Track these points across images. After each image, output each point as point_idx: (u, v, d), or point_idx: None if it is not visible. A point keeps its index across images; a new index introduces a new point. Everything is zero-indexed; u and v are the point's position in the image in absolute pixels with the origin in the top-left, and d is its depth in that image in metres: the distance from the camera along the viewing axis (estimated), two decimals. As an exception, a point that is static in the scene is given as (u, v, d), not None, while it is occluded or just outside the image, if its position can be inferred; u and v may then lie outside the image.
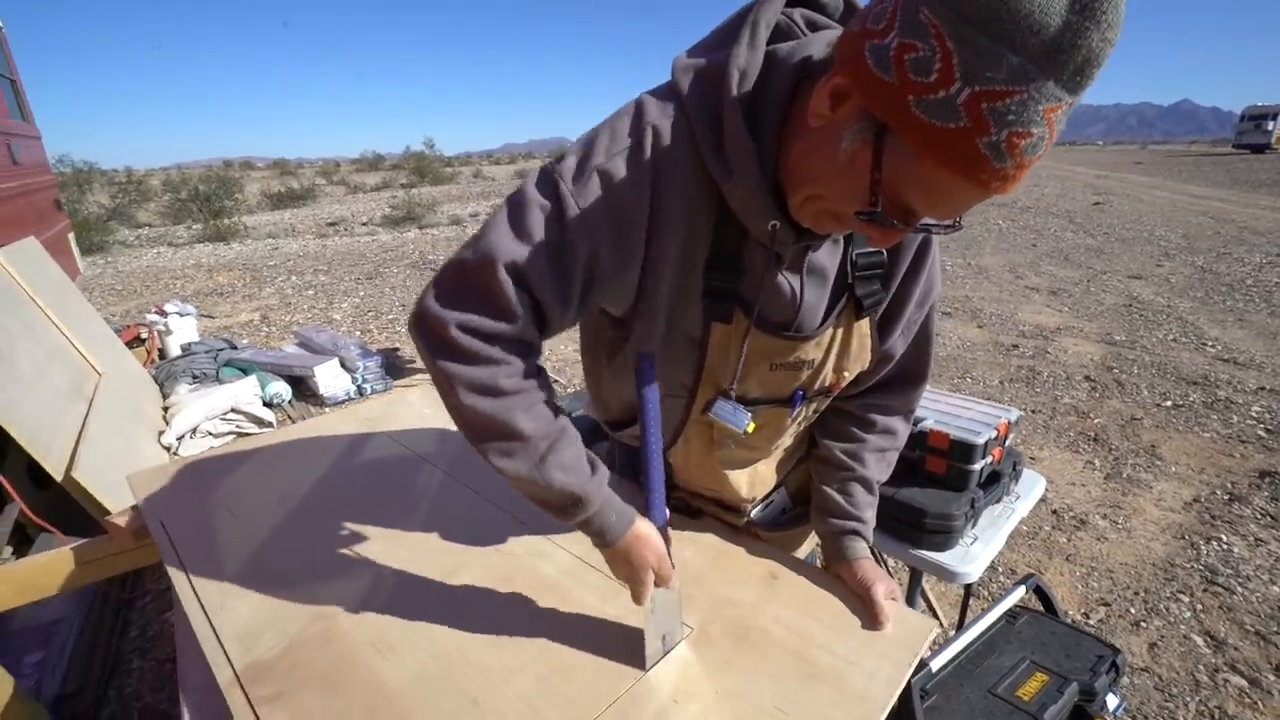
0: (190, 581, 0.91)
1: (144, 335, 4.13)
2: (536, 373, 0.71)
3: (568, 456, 0.71)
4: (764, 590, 0.89)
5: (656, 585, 0.76)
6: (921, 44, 0.49)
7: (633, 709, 0.70)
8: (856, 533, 0.92)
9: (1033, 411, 3.54)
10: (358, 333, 5.28)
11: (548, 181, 0.66)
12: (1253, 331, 4.83)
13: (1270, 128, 32.50)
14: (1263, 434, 3.19)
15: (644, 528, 0.76)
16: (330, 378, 3.69)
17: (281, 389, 3.55)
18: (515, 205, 0.66)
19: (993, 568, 2.27)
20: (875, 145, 0.55)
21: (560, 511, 0.73)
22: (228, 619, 0.84)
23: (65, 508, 1.89)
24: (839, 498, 0.94)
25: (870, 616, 0.83)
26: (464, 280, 0.66)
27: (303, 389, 3.71)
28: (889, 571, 2.02)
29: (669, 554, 0.77)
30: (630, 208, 0.66)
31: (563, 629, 0.82)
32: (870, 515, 0.95)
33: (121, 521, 1.13)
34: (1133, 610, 2.04)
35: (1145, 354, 4.39)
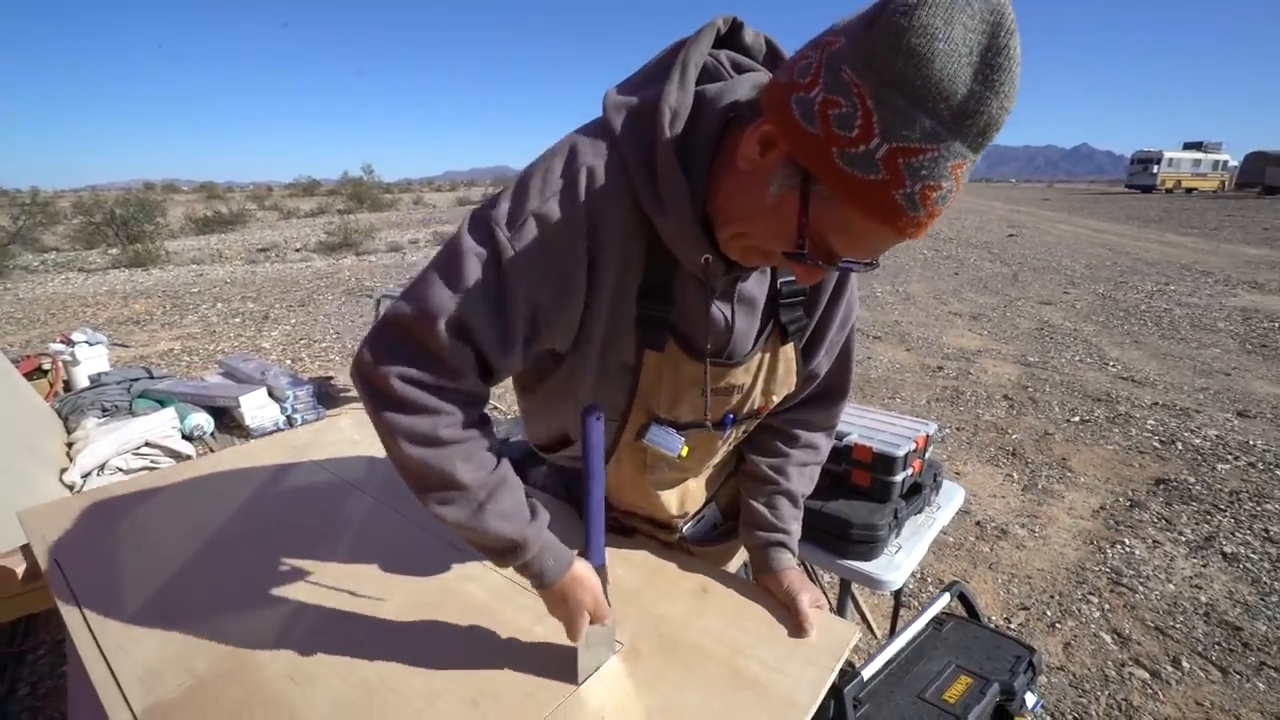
0: (86, 621, 0.85)
1: (46, 366, 3.82)
2: (479, 421, 0.73)
3: (507, 504, 0.73)
4: (694, 604, 0.91)
5: (591, 623, 0.77)
6: (845, 101, 0.53)
7: (561, 727, 0.70)
8: (782, 544, 0.95)
9: (957, 429, 3.74)
10: (288, 361, 5.06)
11: (483, 229, 0.67)
12: (1147, 352, 5.28)
13: (1155, 170, 35.95)
14: (1157, 445, 3.47)
15: (581, 570, 0.77)
16: (257, 408, 3.51)
17: (203, 420, 3.34)
18: (452, 255, 0.67)
19: (922, 578, 2.36)
20: (802, 191, 0.59)
21: (498, 556, 0.74)
22: (128, 661, 0.79)
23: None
24: (765, 511, 0.97)
25: (795, 625, 0.86)
26: (404, 335, 0.67)
27: (227, 420, 3.51)
28: (819, 583, 2.07)
29: (605, 593, 0.78)
30: (568, 251, 0.68)
31: (492, 651, 0.81)
32: (795, 528, 0.98)
33: (9, 562, 1.04)
34: (1049, 613, 2.16)
35: (1056, 374, 4.72)
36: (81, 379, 3.75)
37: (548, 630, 0.84)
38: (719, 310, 0.78)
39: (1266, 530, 2.62)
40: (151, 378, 3.75)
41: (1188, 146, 38.11)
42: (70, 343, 3.89)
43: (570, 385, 0.82)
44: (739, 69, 0.73)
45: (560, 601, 0.76)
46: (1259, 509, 2.79)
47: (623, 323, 0.76)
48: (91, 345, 3.93)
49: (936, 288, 8.17)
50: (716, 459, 0.96)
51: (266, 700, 0.72)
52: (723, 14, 0.73)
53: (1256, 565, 2.40)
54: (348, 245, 12.88)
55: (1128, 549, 2.52)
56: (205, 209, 21.52)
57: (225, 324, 6.41)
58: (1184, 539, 2.59)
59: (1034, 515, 2.79)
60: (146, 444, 2.93)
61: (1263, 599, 2.20)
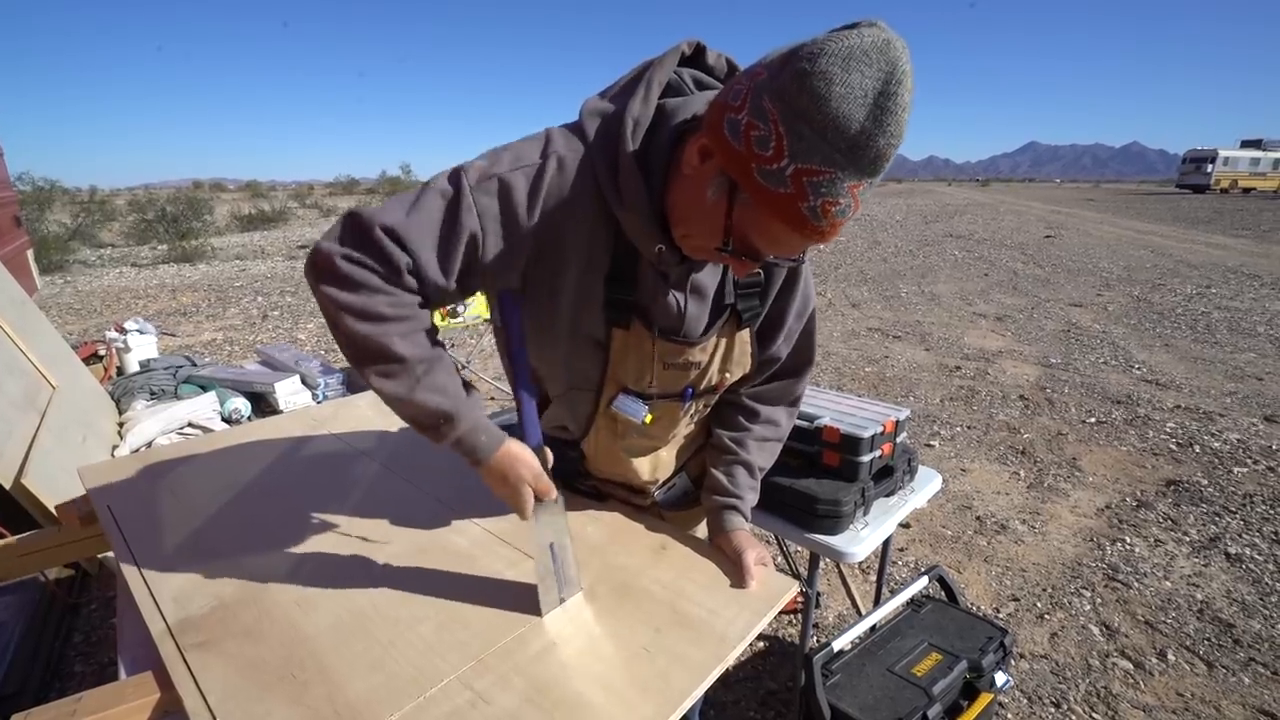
0: (131, 553, 1.00)
1: (101, 352, 4.12)
2: (417, 306, 0.78)
3: (442, 380, 0.79)
4: (652, 558, 1.01)
5: (538, 500, 0.85)
6: (763, 125, 0.63)
7: (518, 649, 0.81)
8: (735, 508, 1.05)
9: (968, 428, 3.74)
10: (322, 352, 5.32)
11: (455, 178, 0.78)
12: (1177, 355, 5.16)
13: (1209, 170, 34.45)
14: (1174, 447, 3.43)
15: (515, 447, 0.84)
16: (290, 393, 3.73)
17: (241, 404, 3.58)
18: (421, 189, 0.78)
19: (915, 568, 2.42)
20: (729, 197, 0.70)
21: (434, 430, 0.80)
22: (164, 585, 0.93)
23: (15, 520, 1.92)
24: (723, 478, 1.07)
25: (738, 577, 0.96)
26: (353, 227, 0.75)
27: (263, 405, 3.74)
28: (791, 559, 2.13)
29: (547, 472, 0.86)
30: (519, 217, 0.78)
31: (467, 589, 0.92)
32: (750, 495, 1.08)
33: (70, 509, 1.21)
34: (1039, 605, 2.19)
35: (1077, 375, 4.66)
36: (132, 365, 4.03)
37: (519, 575, 0.96)
38: (673, 296, 0.89)
39: (1276, 533, 2.59)
40: (195, 366, 4.01)
41: (1245, 144, 36.43)
42: (123, 331, 4.18)
43: (545, 353, 0.93)
44: (702, 86, 0.84)
45: (500, 480, 0.83)
46: (1271, 512, 2.75)
47: (592, 303, 0.87)
48: (142, 334, 4.22)
49: (964, 289, 8.07)
50: (680, 429, 1.07)
51: (276, 619, 0.86)
52: (688, 38, 0.85)
53: (1261, 566, 2.38)
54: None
55: (1128, 547, 2.53)
56: (249, 207, 22.40)
57: (265, 316, 6.74)
58: (1188, 539, 2.58)
59: (1036, 512, 2.81)
60: (189, 424, 3.16)
61: (1262, 599, 2.20)
